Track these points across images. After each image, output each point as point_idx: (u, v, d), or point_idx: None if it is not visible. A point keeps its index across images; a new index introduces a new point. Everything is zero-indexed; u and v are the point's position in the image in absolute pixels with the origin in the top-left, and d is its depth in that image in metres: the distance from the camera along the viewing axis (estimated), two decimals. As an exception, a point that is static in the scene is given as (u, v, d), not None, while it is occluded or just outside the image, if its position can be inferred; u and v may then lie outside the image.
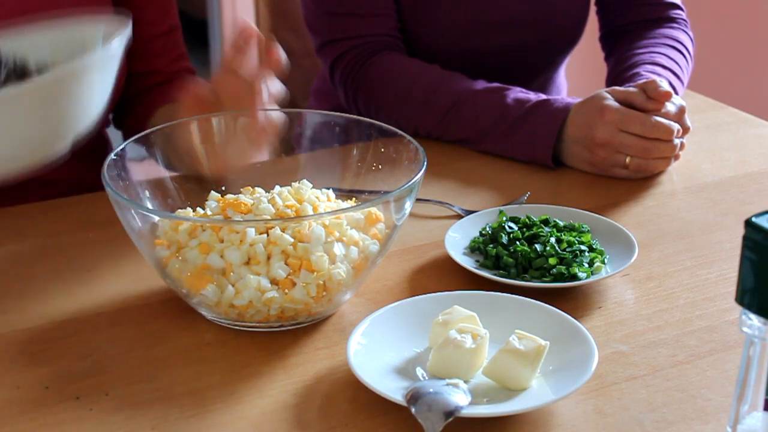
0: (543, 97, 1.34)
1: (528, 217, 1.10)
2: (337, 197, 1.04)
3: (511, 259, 1.03)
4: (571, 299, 1.00)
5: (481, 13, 1.50)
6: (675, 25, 1.56)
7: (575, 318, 0.92)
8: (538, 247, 1.04)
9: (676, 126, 1.26)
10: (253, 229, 0.93)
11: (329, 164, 1.12)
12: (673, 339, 0.94)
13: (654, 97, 1.26)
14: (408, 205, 0.97)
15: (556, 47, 1.60)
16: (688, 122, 1.29)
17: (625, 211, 1.21)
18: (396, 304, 0.94)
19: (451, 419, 0.78)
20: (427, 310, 0.93)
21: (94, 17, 1.08)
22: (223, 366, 0.91)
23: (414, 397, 0.80)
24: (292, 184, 1.03)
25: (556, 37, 1.57)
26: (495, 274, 1.02)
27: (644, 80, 1.30)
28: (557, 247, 1.04)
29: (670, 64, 1.44)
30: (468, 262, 1.04)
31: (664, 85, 1.27)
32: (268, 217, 0.96)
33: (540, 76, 1.62)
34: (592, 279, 1.01)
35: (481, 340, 0.87)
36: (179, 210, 1.05)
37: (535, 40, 1.54)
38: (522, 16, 1.52)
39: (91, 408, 0.85)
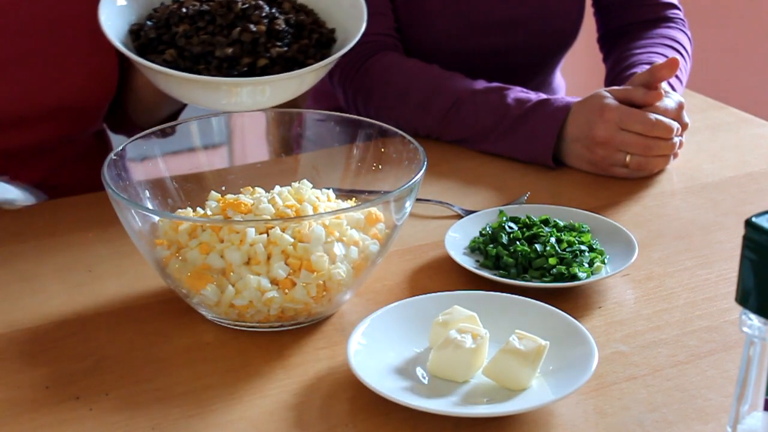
0: (543, 96, 1.34)
1: (528, 217, 1.10)
2: (337, 197, 1.05)
3: (511, 259, 1.03)
4: (571, 299, 1.00)
5: (476, 14, 1.50)
6: (673, 24, 1.56)
7: (575, 318, 0.92)
8: (538, 247, 1.04)
9: (675, 124, 1.26)
10: (253, 229, 0.93)
11: (329, 164, 1.12)
12: (673, 339, 0.94)
13: (656, 73, 1.26)
14: (408, 205, 0.97)
15: (551, 48, 1.60)
16: (687, 118, 1.30)
17: (625, 211, 1.21)
18: (396, 304, 0.94)
19: None
20: (427, 310, 0.93)
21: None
22: (223, 366, 0.91)
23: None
24: (292, 184, 1.03)
25: (552, 38, 1.58)
26: (495, 274, 1.02)
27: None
28: (557, 247, 1.04)
29: (668, 64, 1.44)
30: (468, 262, 1.04)
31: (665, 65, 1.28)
32: (268, 217, 0.96)
33: (536, 76, 1.62)
34: (592, 279, 1.01)
35: (481, 340, 0.87)
36: (179, 210, 1.05)
37: (530, 41, 1.55)
38: (517, 17, 1.52)
39: (91, 408, 0.85)
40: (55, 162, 1.33)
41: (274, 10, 0.96)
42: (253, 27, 0.93)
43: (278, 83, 0.93)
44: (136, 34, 0.97)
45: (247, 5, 0.95)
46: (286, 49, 0.94)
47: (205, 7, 0.95)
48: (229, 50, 0.92)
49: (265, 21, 0.94)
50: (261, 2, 0.96)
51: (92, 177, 1.36)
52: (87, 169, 1.36)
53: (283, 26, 0.95)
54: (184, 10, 0.95)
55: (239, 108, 0.99)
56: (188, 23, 0.94)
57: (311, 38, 0.97)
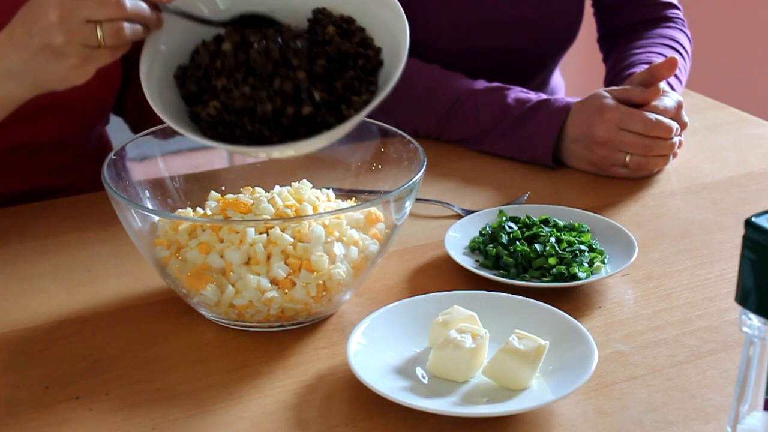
0: (543, 96, 1.34)
1: (528, 217, 1.10)
2: (337, 197, 1.05)
3: (511, 259, 1.03)
4: (571, 299, 1.00)
5: (476, 14, 1.50)
6: (672, 24, 1.56)
7: (575, 318, 0.92)
8: (538, 246, 1.04)
9: (675, 124, 1.27)
10: (253, 229, 0.93)
11: (329, 164, 1.12)
12: (673, 339, 0.94)
13: (655, 73, 1.27)
14: (408, 205, 0.97)
15: (551, 48, 1.60)
16: (686, 117, 1.30)
17: (625, 211, 1.21)
18: (396, 304, 0.94)
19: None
20: (427, 310, 0.93)
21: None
22: (223, 366, 0.91)
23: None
24: (292, 184, 1.03)
25: (551, 38, 1.57)
26: (495, 274, 1.02)
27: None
28: (557, 247, 1.04)
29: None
30: (468, 262, 1.04)
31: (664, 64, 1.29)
32: (268, 217, 0.96)
33: (536, 76, 1.62)
34: (592, 279, 1.01)
35: (481, 340, 0.87)
36: (179, 210, 1.05)
37: (530, 41, 1.54)
38: (517, 17, 1.52)
39: (91, 408, 0.85)
40: (56, 164, 1.32)
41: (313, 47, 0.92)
42: (292, 74, 0.89)
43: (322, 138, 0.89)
44: (180, 79, 0.93)
45: (286, 48, 0.90)
46: (328, 94, 0.90)
47: (241, 55, 0.91)
48: (269, 107, 0.88)
49: (306, 64, 0.90)
50: (299, 43, 0.91)
51: (93, 181, 1.36)
52: (88, 172, 1.36)
53: (325, 65, 0.90)
54: (219, 63, 0.91)
55: (290, 157, 0.95)
56: (225, 77, 0.90)
57: (356, 67, 0.92)
